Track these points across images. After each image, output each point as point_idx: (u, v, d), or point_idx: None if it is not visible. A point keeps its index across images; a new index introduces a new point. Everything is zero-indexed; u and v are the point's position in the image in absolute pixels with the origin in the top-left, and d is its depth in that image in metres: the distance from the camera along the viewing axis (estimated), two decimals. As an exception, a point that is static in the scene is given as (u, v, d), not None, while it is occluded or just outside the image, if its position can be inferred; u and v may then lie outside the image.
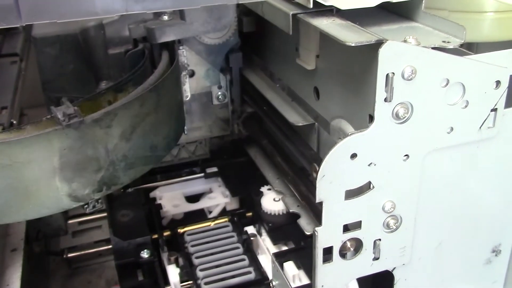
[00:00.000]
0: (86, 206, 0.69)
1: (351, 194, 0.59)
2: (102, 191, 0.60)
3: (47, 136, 0.55)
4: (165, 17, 0.75)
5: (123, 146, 0.59)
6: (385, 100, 0.55)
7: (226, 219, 0.87)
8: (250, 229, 0.84)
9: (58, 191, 0.57)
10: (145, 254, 0.75)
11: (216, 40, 0.86)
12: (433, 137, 0.58)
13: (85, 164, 0.57)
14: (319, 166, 0.62)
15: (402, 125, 0.56)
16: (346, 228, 0.60)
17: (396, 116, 0.56)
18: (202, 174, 0.97)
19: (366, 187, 0.60)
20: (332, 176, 0.56)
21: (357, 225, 0.61)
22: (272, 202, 0.84)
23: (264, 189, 0.88)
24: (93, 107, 0.60)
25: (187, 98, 0.86)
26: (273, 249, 0.81)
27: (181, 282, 0.76)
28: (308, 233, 0.74)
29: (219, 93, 0.91)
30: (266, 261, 0.78)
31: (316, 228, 0.59)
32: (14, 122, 0.74)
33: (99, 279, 1.03)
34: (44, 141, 0.55)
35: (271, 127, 0.87)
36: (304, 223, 0.76)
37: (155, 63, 0.74)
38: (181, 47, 0.83)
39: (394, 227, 0.62)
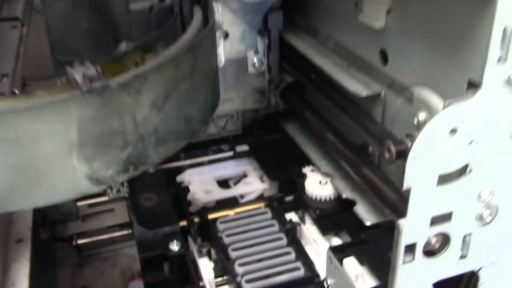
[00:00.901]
0: (108, 190, 0.56)
1: (442, 180, 0.47)
2: (129, 172, 0.49)
3: (64, 103, 0.43)
4: None
5: (155, 117, 0.48)
6: (499, 60, 0.43)
7: (262, 205, 0.75)
8: (293, 217, 0.73)
9: (75, 172, 0.46)
10: (174, 246, 0.64)
11: None
12: (547, 110, 0.47)
13: (109, 139, 0.46)
14: (395, 143, 0.50)
15: (514, 93, 0.45)
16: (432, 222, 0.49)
17: (508, 83, 0.44)
18: (231, 153, 0.85)
19: (459, 172, 0.48)
20: (426, 157, 0.45)
21: (446, 217, 0.49)
22: (318, 185, 0.73)
23: (307, 170, 0.76)
24: (116, 70, 0.47)
25: (221, 64, 0.74)
26: (321, 240, 0.69)
27: (216, 277, 0.65)
28: (368, 223, 0.63)
29: (255, 59, 0.78)
30: (313, 254, 0.67)
31: (400, 221, 0.47)
32: (17, 91, 0.62)
33: (113, 268, 0.92)
34: (59, 110, 0.43)
35: (318, 99, 0.74)
36: (362, 211, 0.65)
37: (184, 21, 0.61)
38: (215, 3, 0.70)
39: (488, 220, 0.51)
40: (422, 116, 0.53)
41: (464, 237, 0.51)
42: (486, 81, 0.44)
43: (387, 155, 0.52)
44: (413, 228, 0.48)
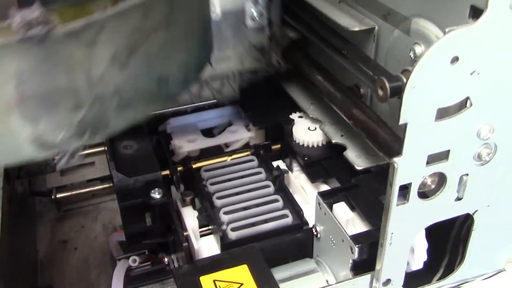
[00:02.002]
0: (57, 158, 0.44)
1: (440, 115, 0.44)
2: (84, 136, 0.41)
3: None
4: None
5: (116, 75, 0.41)
6: (506, -20, 0.39)
7: (249, 153, 0.72)
8: (280, 165, 0.70)
9: (16, 134, 0.39)
10: (156, 194, 0.60)
11: None
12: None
13: (56, 98, 0.39)
14: (389, 80, 0.47)
15: (521, 18, 0.41)
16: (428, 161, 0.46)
17: (516, 5, 0.40)
18: (215, 101, 0.80)
19: (459, 107, 0.45)
20: (425, 89, 0.41)
21: (443, 156, 0.46)
22: (306, 131, 0.69)
23: (294, 116, 0.73)
24: (78, 16, 0.39)
25: (215, 16, 0.63)
26: (310, 188, 0.67)
27: (200, 227, 0.63)
28: (359, 168, 0.60)
29: (254, 11, 0.68)
30: (301, 202, 0.64)
31: (395, 159, 0.44)
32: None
33: (94, 222, 0.89)
34: None
35: (324, 55, 0.68)
36: (353, 156, 0.62)
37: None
38: None
39: (487, 159, 0.48)
40: (419, 49, 0.49)
41: (461, 177, 0.48)
42: (491, 4, 0.40)
43: (380, 92, 0.48)
44: (408, 167, 0.45)
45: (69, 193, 0.88)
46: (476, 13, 0.42)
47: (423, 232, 0.55)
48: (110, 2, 0.44)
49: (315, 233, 0.59)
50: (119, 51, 0.40)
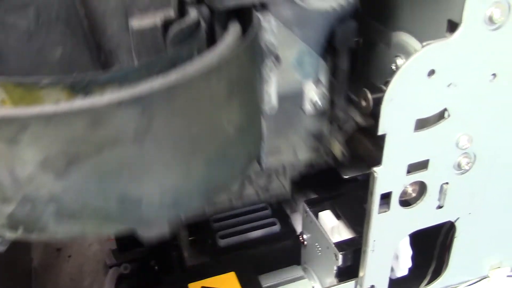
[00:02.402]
0: None
1: (419, 125, 0.46)
2: (17, 231, 0.36)
3: None
4: None
5: (50, 182, 0.34)
6: (479, -4, 0.40)
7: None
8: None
9: None
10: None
11: (329, 2, 0.46)
12: (529, 51, 0.45)
13: None
14: (372, 91, 0.48)
15: (495, 33, 0.43)
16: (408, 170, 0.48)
17: (490, 20, 0.42)
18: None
19: (437, 117, 0.46)
20: (403, 100, 0.43)
21: (423, 165, 0.48)
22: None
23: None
24: (24, 99, 0.36)
25: (271, 111, 0.48)
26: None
27: (190, 236, 0.64)
28: (346, 177, 0.62)
29: (315, 93, 0.51)
30: (289, 210, 0.65)
31: (375, 168, 0.46)
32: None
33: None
34: None
35: None
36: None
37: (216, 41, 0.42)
38: (264, 16, 0.43)
39: (466, 168, 0.49)
40: (400, 61, 0.51)
41: (441, 186, 0.50)
42: (466, 19, 0.42)
43: (363, 103, 0.50)
44: (388, 176, 0.46)
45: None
46: (452, 27, 0.44)
47: (407, 239, 0.56)
48: (64, 95, 0.35)
49: (302, 240, 0.60)
50: (53, 158, 0.33)
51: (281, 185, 0.57)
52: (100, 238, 0.88)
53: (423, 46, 0.42)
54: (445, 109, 0.45)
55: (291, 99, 0.51)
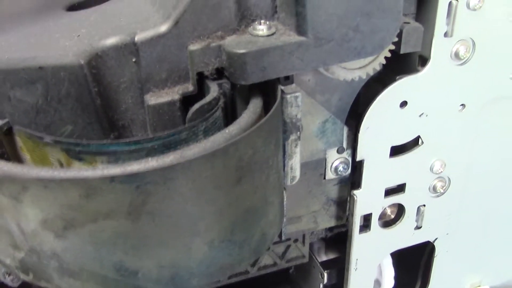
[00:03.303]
0: (9, 275, 0.44)
1: (395, 152, 0.49)
2: (29, 276, 0.38)
3: None
4: (263, 28, 0.37)
5: (51, 241, 0.35)
6: (445, 35, 0.45)
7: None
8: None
9: None
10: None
11: (357, 73, 0.44)
12: (493, 83, 0.49)
13: None
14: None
15: (461, 67, 0.47)
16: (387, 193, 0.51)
17: (456, 56, 0.46)
18: None
19: (412, 144, 0.50)
20: (378, 129, 0.47)
21: (400, 188, 0.51)
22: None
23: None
24: (34, 153, 0.36)
25: (293, 181, 0.44)
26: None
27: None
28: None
29: (338, 160, 0.49)
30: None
31: (355, 192, 0.49)
32: None
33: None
34: None
35: None
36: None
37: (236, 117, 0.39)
38: (290, 90, 0.39)
39: (441, 191, 0.53)
40: (379, 93, 0.55)
41: (418, 208, 0.53)
42: (434, 55, 0.46)
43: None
44: (368, 199, 0.50)
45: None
46: (423, 62, 0.48)
47: (390, 260, 0.60)
48: (63, 156, 0.35)
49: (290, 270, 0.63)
50: (51, 220, 0.34)
51: (299, 252, 0.55)
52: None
53: (396, 80, 0.46)
54: (419, 137, 0.49)
55: (313, 167, 0.49)
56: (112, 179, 0.31)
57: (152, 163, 0.32)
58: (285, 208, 0.46)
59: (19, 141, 0.37)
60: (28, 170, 0.33)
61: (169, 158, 0.32)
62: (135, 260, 0.35)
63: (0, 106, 0.37)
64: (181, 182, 0.33)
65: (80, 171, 0.32)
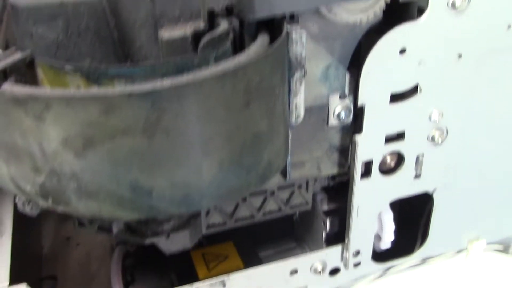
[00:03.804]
0: (29, 204, 0.46)
1: (395, 99, 0.52)
2: (48, 201, 0.40)
3: None
4: None
5: (70, 161, 0.37)
6: (443, -16, 0.47)
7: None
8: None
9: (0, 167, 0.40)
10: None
11: (359, 16, 0.46)
12: (489, 34, 0.51)
13: (18, 153, 0.38)
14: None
15: (458, 17, 0.49)
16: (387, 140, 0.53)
17: (452, 6, 0.48)
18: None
19: (411, 92, 0.52)
20: (378, 74, 0.49)
21: (400, 136, 0.54)
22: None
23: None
24: (55, 81, 0.39)
25: (297, 121, 0.47)
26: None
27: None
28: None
29: (340, 106, 0.51)
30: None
31: (357, 136, 0.51)
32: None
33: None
34: None
35: None
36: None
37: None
38: (294, 28, 0.43)
39: (439, 141, 0.55)
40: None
41: (417, 157, 0.55)
42: (431, 4, 0.48)
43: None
44: (368, 145, 0.52)
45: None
46: (420, 12, 0.50)
47: (391, 215, 0.62)
48: (82, 82, 0.38)
49: (294, 217, 0.65)
50: (72, 138, 0.36)
51: (303, 199, 0.58)
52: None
53: (395, 27, 0.48)
54: (418, 85, 0.51)
55: (316, 112, 0.52)
56: (130, 95, 0.34)
57: (167, 82, 0.34)
58: (290, 148, 0.47)
59: (40, 73, 0.40)
60: (52, 90, 0.36)
61: (183, 78, 0.34)
62: (149, 179, 0.37)
63: (22, 43, 0.39)
64: (193, 100, 0.35)
65: (100, 90, 0.35)
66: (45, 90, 0.36)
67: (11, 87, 0.36)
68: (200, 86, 0.34)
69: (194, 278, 0.56)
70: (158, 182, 0.38)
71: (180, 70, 0.36)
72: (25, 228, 0.83)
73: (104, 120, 0.35)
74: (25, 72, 0.39)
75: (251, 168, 0.40)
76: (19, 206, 0.45)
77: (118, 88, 0.34)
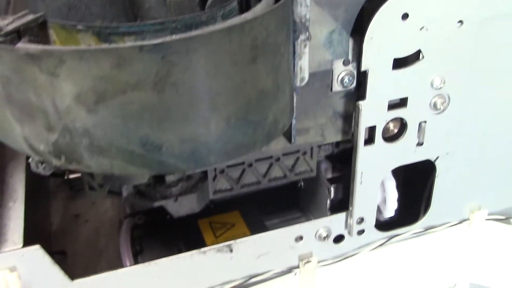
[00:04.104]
0: (43, 165, 0.47)
1: (398, 65, 0.53)
2: (61, 160, 0.41)
3: None
4: None
5: (83, 117, 0.38)
6: (444, -51, 0.48)
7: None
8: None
9: (12, 126, 0.42)
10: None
11: None
12: (490, 0, 0.52)
13: (31, 111, 0.39)
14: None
15: (460, -17, 0.50)
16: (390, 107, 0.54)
17: (454, -28, 0.49)
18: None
19: (413, 59, 0.53)
20: (381, 40, 0.50)
21: (402, 102, 0.55)
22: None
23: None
24: (68, 41, 0.39)
25: (302, 82, 0.48)
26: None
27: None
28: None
29: (344, 72, 0.53)
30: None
31: (360, 102, 0.52)
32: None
33: (104, 200, 0.97)
34: None
35: None
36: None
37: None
38: None
39: (441, 108, 0.56)
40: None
41: (420, 124, 0.56)
42: (433, -31, 0.49)
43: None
44: (372, 111, 0.53)
45: (81, 174, 0.97)
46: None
47: (394, 183, 0.63)
48: (93, 41, 0.39)
49: (299, 185, 0.67)
50: (84, 93, 0.37)
51: (307, 166, 0.59)
52: (115, 204, 0.95)
53: (398, -7, 0.49)
54: (420, 51, 0.52)
55: (320, 77, 0.52)
56: (141, 48, 0.35)
57: (177, 36, 0.35)
58: (295, 113, 0.49)
59: (53, 34, 0.41)
60: (65, 47, 0.37)
61: (192, 32, 0.36)
62: (159, 133, 0.38)
63: (35, 7, 0.41)
64: (201, 54, 0.36)
65: (112, 44, 0.36)
66: (58, 47, 0.37)
67: (25, 45, 0.38)
68: (209, 39, 0.36)
69: (202, 246, 0.57)
70: (167, 137, 0.39)
71: (188, 27, 0.37)
72: (35, 207, 0.85)
73: (116, 74, 0.36)
74: (37, 33, 0.41)
75: (257, 124, 0.41)
76: (32, 166, 0.46)
77: (130, 43, 0.36)
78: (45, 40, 0.41)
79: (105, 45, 0.36)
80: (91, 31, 0.38)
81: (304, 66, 0.46)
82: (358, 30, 0.51)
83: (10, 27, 0.38)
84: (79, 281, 0.53)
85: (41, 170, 0.46)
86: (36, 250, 0.51)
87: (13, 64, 0.37)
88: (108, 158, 0.40)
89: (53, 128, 0.39)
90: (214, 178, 0.54)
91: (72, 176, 0.96)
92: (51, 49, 0.37)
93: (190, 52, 0.36)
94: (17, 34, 0.39)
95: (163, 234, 0.69)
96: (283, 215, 0.66)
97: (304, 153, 0.57)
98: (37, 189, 0.90)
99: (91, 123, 0.38)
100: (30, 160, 0.46)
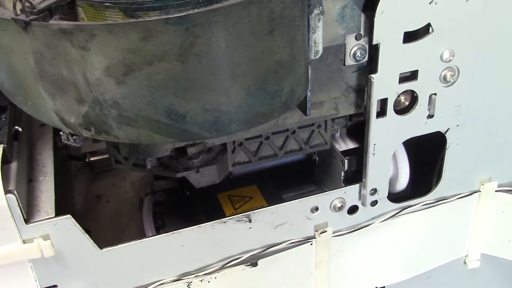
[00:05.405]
0: (74, 137, 0.49)
1: (408, 39, 0.54)
2: (91, 132, 0.44)
3: (8, 24, 0.41)
4: None
5: (112, 88, 0.41)
6: None
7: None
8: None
9: (45, 101, 0.44)
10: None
11: None
12: (498, -26, 0.54)
13: (63, 84, 0.42)
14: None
15: (467, -43, 0.52)
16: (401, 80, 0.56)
17: None
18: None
19: (423, 32, 0.55)
20: (392, 14, 0.52)
21: (413, 75, 0.57)
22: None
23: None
24: (96, 18, 0.42)
25: (316, 55, 0.49)
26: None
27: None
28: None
29: (357, 46, 0.54)
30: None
31: (372, 75, 0.55)
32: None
33: (124, 181, 1.00)
34: (12, 29, 0.41)
35: None
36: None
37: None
38: None
39: (451, 81, 0.58)
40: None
41: (430, 96, 0.58)
42: None
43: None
44: (384, 83, 0.55)
45: (101, 157, 1.00)
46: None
47: (405, 156, 0.65)
48: (120, 16, 0.41)
49: (314, 159, 0.69)
50: (114, 66, 0.39)
51: (322, 139, 0.61)
52: (134, 186, 0.99)
53: (407, -32, 0.51)
54: (430, 25, 0.54)
55: (333, 52, 0.54)
56: (166, 21, 0.38)
57: (199, 10, 0.38)
58: (309, 86, 0.51)
59: (81, 13, 0.44)
60: (95, 22, 0.40)
61: (213, 5, 0.38)
62: (183, 103, 0.41)
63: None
64: (223, 25, 0.38)
65: (139, 19, 0.39)
66: (89, 22, 0.40)
67: (57, 21, 0.40)
68: (229, 12, 0.38)
69: (222, 217, 0.60)
70: (191, 107, 0.41)
71: (209, 1, 0.39)
72: (59, 183, 0.89)
73: (143, 46, 0.38)
74: (67, 11, 0.43)
75: (275, 94, 0.44)
76: (64, 138, 0.49)
77: (155, 17, 0.38)
78: (74, 18, 0.44)
79: (132, 20, 0.39)
80: (118, 8, 0.41)
81: (318, 40, 0.48)
82: (370, 5, 0.53)
83: (43, 5, 0.41)
84: (107, 250, 0.56)
85: (72, 141, 0.49)
86: (68, 219, 0.54)
87: (47, 40, 0.40)
88: (135, 128, 0.43)
89: (83, 100, 0.42)
90: (233, 150, 0.57)
91: (92, 158, 0.99)
92: (82, 24, 0.39)
93: (212, 25, 0.38)
94: (49, 12, 0.42)
95: (183, 209, 0.72)
96: (298, 189, 0.69)
97: (319, 126, 0.60)
98: (61, 170, 0.93)
99: (120, 95, 0.41)
100: (61, 132, 0.49)
